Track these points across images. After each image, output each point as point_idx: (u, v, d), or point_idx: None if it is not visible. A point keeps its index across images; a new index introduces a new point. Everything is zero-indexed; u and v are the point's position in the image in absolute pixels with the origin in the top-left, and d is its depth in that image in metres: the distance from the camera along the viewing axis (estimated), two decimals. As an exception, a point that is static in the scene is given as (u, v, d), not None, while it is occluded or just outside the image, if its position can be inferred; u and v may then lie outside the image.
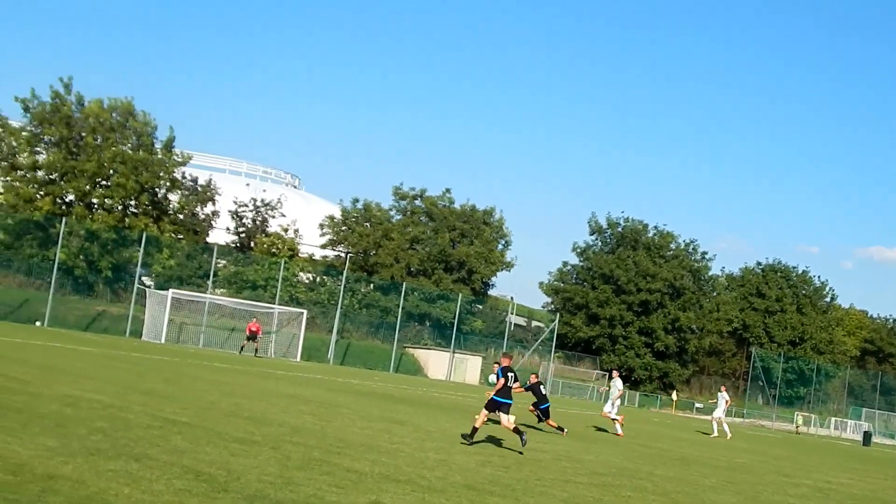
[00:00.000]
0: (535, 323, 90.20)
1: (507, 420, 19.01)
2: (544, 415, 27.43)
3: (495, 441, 20.32)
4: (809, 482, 22.51)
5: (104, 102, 62.38)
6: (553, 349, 77.59)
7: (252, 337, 55.05)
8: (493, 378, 24.74)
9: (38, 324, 52.38)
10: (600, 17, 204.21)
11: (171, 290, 56.39)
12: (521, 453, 18.50)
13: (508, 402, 19.10)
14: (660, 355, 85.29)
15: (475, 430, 19.19)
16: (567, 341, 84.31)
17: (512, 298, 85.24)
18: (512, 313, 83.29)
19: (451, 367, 69.19)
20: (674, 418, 60.15)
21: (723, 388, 42.14)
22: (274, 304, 61.98)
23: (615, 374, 32.83)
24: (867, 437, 59.21)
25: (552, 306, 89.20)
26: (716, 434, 39.46)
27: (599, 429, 32.50)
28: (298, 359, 58.46)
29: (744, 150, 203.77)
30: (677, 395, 79.67)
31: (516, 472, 15.61)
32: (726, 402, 40.71)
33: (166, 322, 55.46)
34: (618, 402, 31.35)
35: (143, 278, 61.64)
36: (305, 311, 60.92)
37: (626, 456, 22.27)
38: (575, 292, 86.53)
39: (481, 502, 11.72)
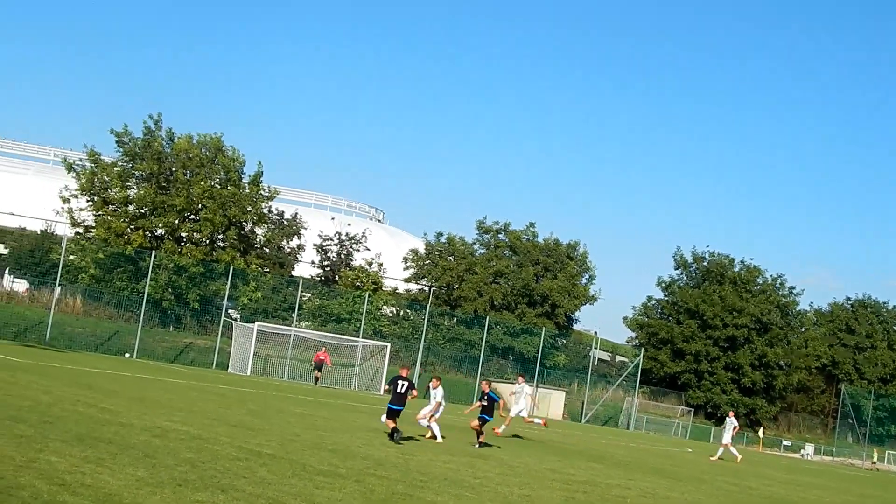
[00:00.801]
0: (619, 358, 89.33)
1: (389, 421, 21.87)
2: (481, 422, 26.44)
3: (578, 477, 20.17)
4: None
5: (194, 138, 63.32)
6: (637, 384, 76.77)
7: (318, 367, 55.43)
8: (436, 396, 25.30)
9: (126, 355, 53.31)
10: (676, 55, 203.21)
11: (256, 323, 56.99)
12: (399, 443, 21.14)
13: (399, 408, 21.94)
14: (746, 391, 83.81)
15: (393, 429, 21.75)
16: (652, 377, 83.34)
17: (596, 333, 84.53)
18: (596, 348, 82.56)
19: (534, 402, 68.70)
20: (761, 456, 59.10)
21: (730, 414, 44.02)
22: (358, 337, 62.26)
23: (521, 379, 35.29)
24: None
25: (636, 341, 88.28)
26: (718, 458, 40.29)
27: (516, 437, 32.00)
28: (381, 392, 58.61)
29: (831, 184, 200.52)
30: (764, 432, 78.20)
31: (600, 508, 15.48)
32: (734, 427, 41.58)
33: (252, 354, 55.97)
34: (522, 404, 33.49)
35: (230, 311, 62.35)
36: (389, 345, 61.06)
37: (713, 494, 21.94)
38: (660, 327, 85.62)
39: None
